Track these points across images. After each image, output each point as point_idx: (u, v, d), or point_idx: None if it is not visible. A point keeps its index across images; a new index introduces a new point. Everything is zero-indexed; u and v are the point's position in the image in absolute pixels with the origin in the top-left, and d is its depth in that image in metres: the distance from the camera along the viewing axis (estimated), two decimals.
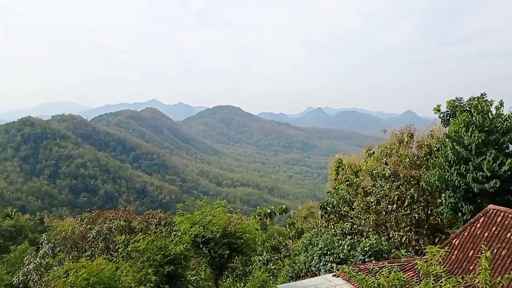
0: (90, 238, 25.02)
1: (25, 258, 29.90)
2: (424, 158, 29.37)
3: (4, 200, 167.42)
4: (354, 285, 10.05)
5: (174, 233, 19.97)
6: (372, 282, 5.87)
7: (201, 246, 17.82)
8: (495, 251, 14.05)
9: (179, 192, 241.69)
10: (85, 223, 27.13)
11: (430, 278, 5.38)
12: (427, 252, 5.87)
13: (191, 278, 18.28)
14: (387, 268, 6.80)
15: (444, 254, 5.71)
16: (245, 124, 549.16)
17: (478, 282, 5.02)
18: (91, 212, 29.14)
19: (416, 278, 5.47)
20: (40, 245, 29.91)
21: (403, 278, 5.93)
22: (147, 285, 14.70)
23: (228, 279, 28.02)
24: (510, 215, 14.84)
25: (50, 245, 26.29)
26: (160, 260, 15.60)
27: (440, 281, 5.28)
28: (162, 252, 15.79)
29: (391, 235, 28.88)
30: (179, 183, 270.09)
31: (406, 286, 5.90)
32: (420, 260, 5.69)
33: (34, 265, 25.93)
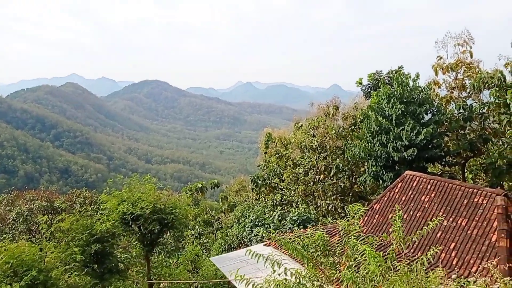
0: (10, 220, 23.55)
1: None
2: (349, 129, 30.66)
3: None
4: (284, 252, 10.32)
5: (101, 212, 19.36)
6: (296, 243, 6.05)
7: (130, 223, 17.44)
8: (411, 213, 15.14)
9: (106, 170, 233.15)
10: (4, 205, 25.43)
11: (352, 237, 5.65)
12: (349, 211, 6.15)
13: (121, 256, 17.90)
14: (311, 230, 7.06)
15: (364, 212, 6.02)
16: (173, 99, 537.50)
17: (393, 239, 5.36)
18: (9, 193, 27.38)
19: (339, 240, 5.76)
20: None
21: (325, 236, 6.18)
22: (72, 264, 14.17)
23: (160, 255, 27.83)
24: (424, 179, 15.99)
25: None
26: (86, 239, 15.07)
27: (360, 239, 5.56)
28: (88, 231, 15.26)
29: (318, 204, 30.12)
30: (106, 161, 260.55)
31: (329, 246, 6.15)
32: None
33: None
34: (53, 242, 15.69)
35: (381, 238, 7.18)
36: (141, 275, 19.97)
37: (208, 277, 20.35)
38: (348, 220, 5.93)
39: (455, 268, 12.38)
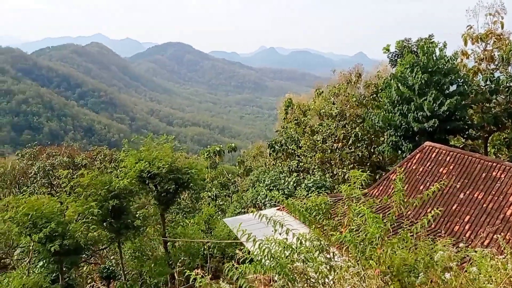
0: (32, 174, 24.27)
1: None
2: (371, 98, 30.12)
3: None
4: (295, 217, 10.34)
5: (119, 169, 19.75)
6: (300, 205, 6.05)
7: (147, 182, 17.79)
8: (427, 184, 14.97)
9: (128, 131, 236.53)
10: (26, 159, 26.16)
11: (353, 200, 5.63)
12: (351, 176, 6.12)
13: (137, 213, 18.36)
14: (315, 194, 7.02)
15: (365, 177, 5.97)
16: (196, 62, 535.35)
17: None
18: (33, 148, 28.11)
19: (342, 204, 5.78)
20: None
21: (329, 201, 6.17)
22: (90, 218, 14.62)
23: (177, 215, 28.44)
24: (444, 151, 15.70)
25: None
26: (104, 195, 15.47)
27: (360, 203, 5.54)
28: (106, 187, 15.64)
29: (335, 172, 30.04)
30: (128, 122, 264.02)
31: (332, 210, 6.15)
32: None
33: None
34: (73, 197, 16.17)
35: (381, 201, 7.20)
36: (157, 233, 20.50)
37: (221, 238, 20.78)
38: (349, 185, 5.88)
39: (468, 241, 12.31)
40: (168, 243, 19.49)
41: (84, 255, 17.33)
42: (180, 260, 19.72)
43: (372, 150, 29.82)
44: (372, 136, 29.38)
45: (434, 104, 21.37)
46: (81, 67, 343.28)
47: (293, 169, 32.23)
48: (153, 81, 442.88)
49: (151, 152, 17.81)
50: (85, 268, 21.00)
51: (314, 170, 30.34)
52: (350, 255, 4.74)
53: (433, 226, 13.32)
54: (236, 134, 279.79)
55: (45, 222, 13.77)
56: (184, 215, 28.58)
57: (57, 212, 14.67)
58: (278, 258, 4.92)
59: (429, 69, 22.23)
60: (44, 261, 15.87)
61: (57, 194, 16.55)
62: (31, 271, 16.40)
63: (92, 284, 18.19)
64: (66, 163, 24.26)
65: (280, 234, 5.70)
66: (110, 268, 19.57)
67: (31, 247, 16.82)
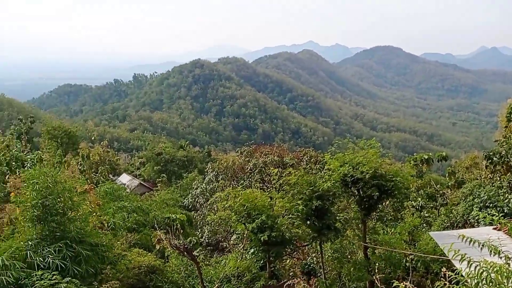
0: (248, 169, 27.14)
1: (194, 184, 34.12)
2: None
3: (178, 134, 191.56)
4: None
5: (324, 171, 20.38)
6: None
7: (350, 185, 17.89)
8: None
9: (332, 134, 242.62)
10: (244, 156, 29.42)
11: None
12: None
13: (339, 215, 18.65)
14: None
15: None
16: (405, 65, 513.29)
17: None
18: (249, 147, 31.42)
19: None
20: (206, 173, 33.71)
21: None
22: (295, 215, 15.53)
23: (377, 223, 27.81)
24: None
25: (214, 173, 29.45)
26: (309, 195, 16.17)
27: None
28: (311, 187, 16.32)
29: None
30: (332, 126, 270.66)
31: None
32: None
33: (201, 189, 29.50)
34: (281, 193, 17.44)
35: None
36: (357, 237, 20.41)
37: (425, 252, 19.44)
38: None
39: None
40: (368, 249, 19.22)
41: (288, 249, 18.49)
42: (380, 268, 19.25)
43: None
44: None
45: None
46: (292, 73, 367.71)
47: None
48: (359, 86, 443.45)
49: (356, 156, 17.84)
50: (288, 261, 22.38)
51: None
52: None
53: None
54: (446, 142, 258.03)
55: (257, 214, 15.26)
56: (385, 223, 27.76)
57: (267, 206, 16.06)
58: (499, 286, 4.36)
59: None
60: (255, 249, 17.53)
61: (268, 190, 18.07)
62: (244, 256, 18.35)
63: (293, 277, 19.31)
64: (276, 162, 26.34)
65: (500, 258, 5.05)
66: (311, 265, 20.40)
67: (245, 235, 18.79)
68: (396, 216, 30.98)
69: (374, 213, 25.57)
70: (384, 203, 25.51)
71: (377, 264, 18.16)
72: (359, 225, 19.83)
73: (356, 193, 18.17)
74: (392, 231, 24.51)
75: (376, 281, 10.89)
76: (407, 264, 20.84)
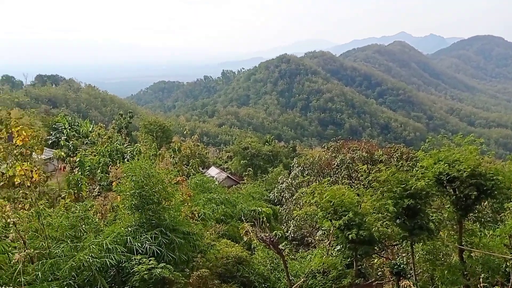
0: (334, 165, 26.72)
1: (279, 178, 34.39)
2: None
3: (264, 129, 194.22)
4: None
5: (416, 169, 19.42)
6: None
7: (445, 184, 16.86)
8: None
9: (424, 129, 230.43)
10: (331, 152, 29.02)
11: None
12: None
13: (433, 216, 17.67)
14: None
15: None
16: (508, 56, 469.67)
17: None
18: (336, 142, 30.92)
19: None
20: (291, 168, 33.81)
21: None
22: (385, 214, 14.99)
23: (474, 224, 25.91)
24: None
25: (300, 168, 29.44)
26: (400, 193, 15.52)
27: None
28: (402, 185, 15.65)
29: None
30: (425, 121, 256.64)
31: None
32: None
33: (286, 184, 29.64)
34: (370, 191, 16.92)
35: None
36: (452, 239, 19.21)
37: None
38: None
39: None
40: (464, 252, 17.99)
41: (376, 248, 17.92)
42: (477, 273, 17.92)
43: None
44: None
45: None
46: (382, 66, 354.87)
47: None
48: (455, 78, 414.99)
49: (452, 153, 16.75)
50: (376, 260, 21.72)
51: None
52: None
53: None
54: None
55: (344, 211, 14.95)
56: (483, 225, 25.74)
57: (355, 203, 15.67)
58: None
59: None
60: (341, 246, 17.19)
61: (355, 186, 17.62)
62: (330, 253, 18.11)
63: (382, 277, 18.70)
64: (365, 158, 25.60)
65: None
66: (401, 266, 19.61)
67: (331, 231, 18.54)
68: (495, 217, 28.65)
69: (471, 214, 23.91)
70: (482, 204, 23.71)
71: (473, 268, 16.98)
72: (454, 226, 18.64)
73: (452, 192, 17.10)
74: (491, 233, 22.72)
75: (473, 286, 10.15)
76: (507, 269, 19.19)
